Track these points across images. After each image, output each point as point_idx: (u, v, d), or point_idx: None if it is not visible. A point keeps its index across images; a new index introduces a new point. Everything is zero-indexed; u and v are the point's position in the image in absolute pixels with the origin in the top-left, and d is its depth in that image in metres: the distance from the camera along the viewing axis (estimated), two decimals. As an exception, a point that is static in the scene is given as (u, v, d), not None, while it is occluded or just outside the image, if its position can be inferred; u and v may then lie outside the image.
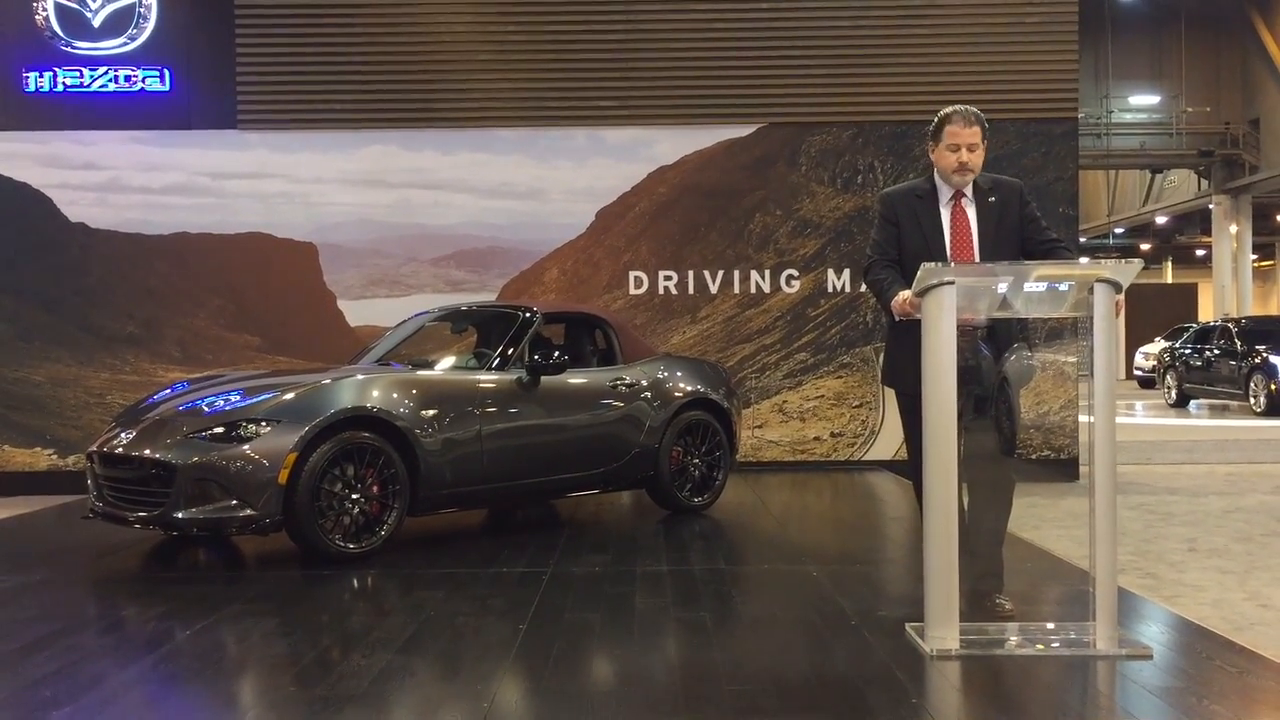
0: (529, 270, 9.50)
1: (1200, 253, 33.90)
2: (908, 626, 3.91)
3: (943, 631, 3.67)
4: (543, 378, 6.14)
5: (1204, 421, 16.74)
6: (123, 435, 5.53)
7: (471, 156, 9.47)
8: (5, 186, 9.27)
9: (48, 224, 9.29)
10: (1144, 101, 26.38)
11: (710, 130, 9.46)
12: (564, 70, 9.38)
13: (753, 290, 9.45)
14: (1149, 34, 25.95)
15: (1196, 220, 31.10)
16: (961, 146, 4.17)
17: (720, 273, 9.45)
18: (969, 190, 4.26)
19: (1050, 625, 3.90)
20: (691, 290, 9.45)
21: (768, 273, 9.44)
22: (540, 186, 9.49)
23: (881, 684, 3.45)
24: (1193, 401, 19.04)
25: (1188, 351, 18.77)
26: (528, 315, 6.47)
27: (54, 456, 9.20)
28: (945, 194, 4.27)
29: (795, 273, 9.43)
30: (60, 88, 9.23)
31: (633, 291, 9.46)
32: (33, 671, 3.62)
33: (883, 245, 4.33)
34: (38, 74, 9.21)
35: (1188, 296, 32.20)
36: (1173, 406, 18.91)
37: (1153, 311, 28.35)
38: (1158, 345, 22.04)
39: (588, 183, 9.47)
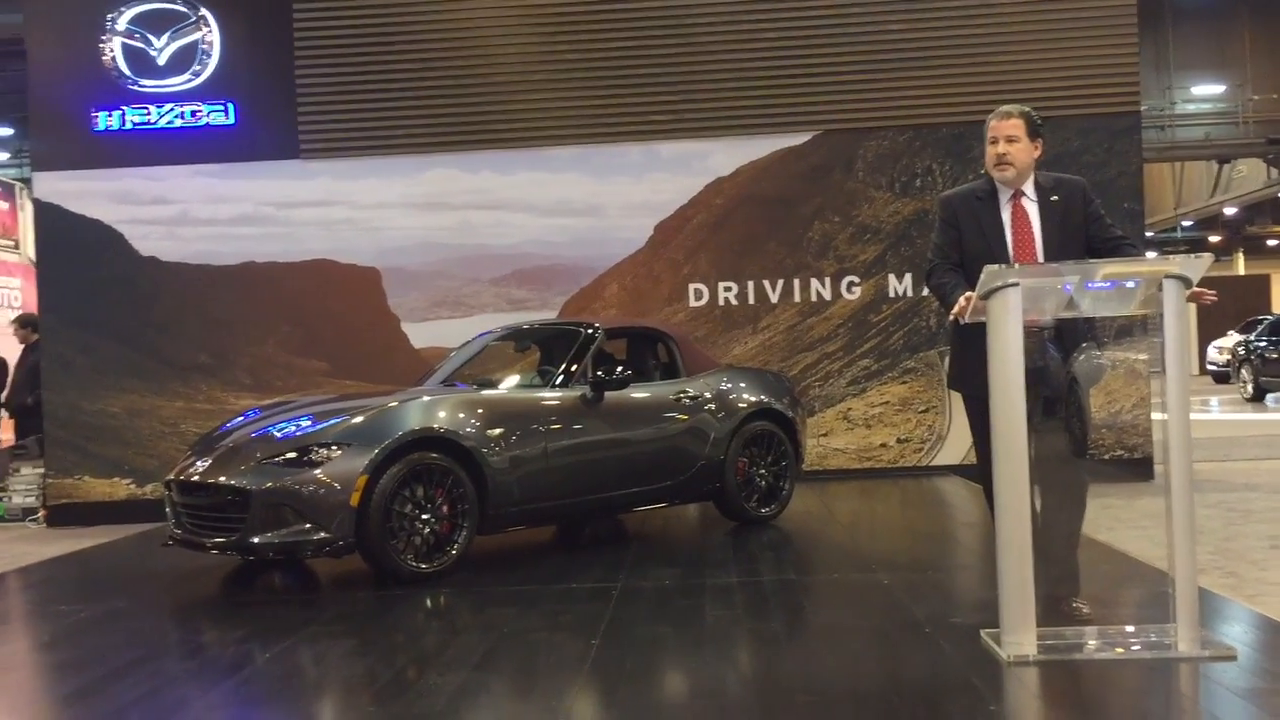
0: (589, 286, 9.55)
1: (1272, 243, 33.14)
2: (983, 633, 3.86)
3: (1019, 637, 3.62)
4: (606, 393, 6.16)
5: (1283, 415, 16.34)
6: (198, 463, 5.64)
7: (529, 175, 9.54)
8: (79, 224, 9.51)
9: (120, 259, 9.51)
10: (1208, 91, 25.82)
11: (765, 140, 9.44)
12: (617, 86, 9.42)
13: (813, 298, 9.40)
14: (1211, 22, 25.42)
15: (1267, 210, 30.37)
16: (1000, 138, 4.16)
17: (780, 282, 9.42)
18: (1030, 190, 4.22)
19: (1130, 628, 3.83)
20: (752, 300, 9.43)
21: (828, 280, 9.39)
22: (598, 203, 9.53)
23: (958, 692, 3.42)
24: (1270, 395, 18.60)
25: (1263, 344, 18.36)
26: (589, 331, 6.51)
27: (132, 486, 9.40)
28: (1005, 194, 4.23)
29: (856, 279, 9.37)
30: (129, 125, 9.45)
31: (693, 304, 9.46)
32: (119, 698, 3.70)
33: (944, 249, 4.30)
34: (106, 113, 9.45)
35: (1260, 288, 31.49)
36: (1250, 401, 18.50)
37: (1225, 304, 27.74)
38: (1231, 339, 21.59)
39: (644, 197, 9.50)
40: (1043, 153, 4.24)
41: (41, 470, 9.53)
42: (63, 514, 9.32)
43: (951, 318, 4.00)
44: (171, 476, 5.78)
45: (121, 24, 9.44)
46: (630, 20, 9.39)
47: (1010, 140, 4.15)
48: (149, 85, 9.48)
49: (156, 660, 4.23)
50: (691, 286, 9.47)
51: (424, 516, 5.38)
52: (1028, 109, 4.23)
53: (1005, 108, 4.24)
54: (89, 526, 8.85)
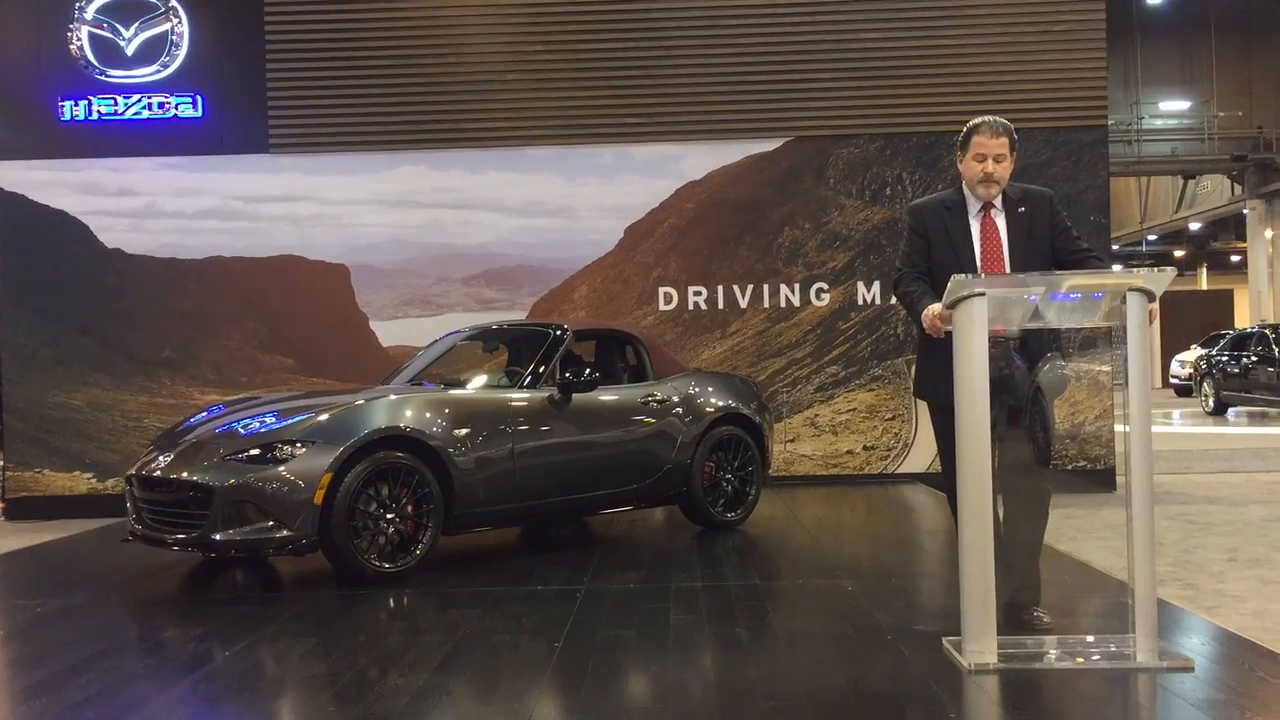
0: (559, 288, 9.54)
1: (1235, 258, 33.55)
2: (945, 641, 3.89)
3: (980, 645, 3.65)
4: (574, 395, 6.16)
5: (1243, 429, 16.56)
6: (161, 458, 5.59)
7: (500, 175, 9.52)
8: (43, 214, 9.40)
9: (85, 250, 9.41)
10: (1175, 107, 26.13)
11: (737, 145, 9.46)
12: (591, 88, 9.42)
13: (783, 304, 9.43)
14: (1178, 39, 25.73)
15: (1231, 226, 30.77)
16: (988, 156, 4.16)
17: (750, 287, 9.44)
18: (998, 201, 4.24)
19: (1089, 638, 3.86)
20: (721, 305, 9.45)
21: (797, 286, 9.43)
22: (569, 204, 9.52)
23: (919, 699, 3.43)
24: (1231, 409, 18.83)
25: (1225, 358, 18.58)
26: (558, 333, 6.50)
27: (93, 480, 9.30)
28: (974, 205, 4.26)
29: (825, 286, 9.41)
30: (95, 116, 9.36)
31: (663, 307, 9.47)
32: (76, 693, 3.66)
33: (912, 257, 4.32)
34: (73, 103, 9.35)
35: (1224, 303, 31.89)
36: (1210, 414, 18.71)
37: (1188, 318, 28.09)
38: (1194, 353, 21.84)
39: (616, 200, 9.50)
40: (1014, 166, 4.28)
41: (0, 463, 9.40)
42: (21, 507, 9.21)
43: (929, 329, 4.01)
44: (133, 471, 5.73)
45: (90, 13, 9.35)
46: (605, 23, 9.40)
47: (998, 160, 4.16)
48: (117, 76, 9.39)
49: (115, 656, 4.19)
50: (661, 290, 9.48)
51: (388, 516, 5.36)
52: (1010, 125, 4.24)
53: (992, 121, 4.19)
54: (48, 520, 8.75)
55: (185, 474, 5.34)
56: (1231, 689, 3.51)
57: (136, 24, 9.40)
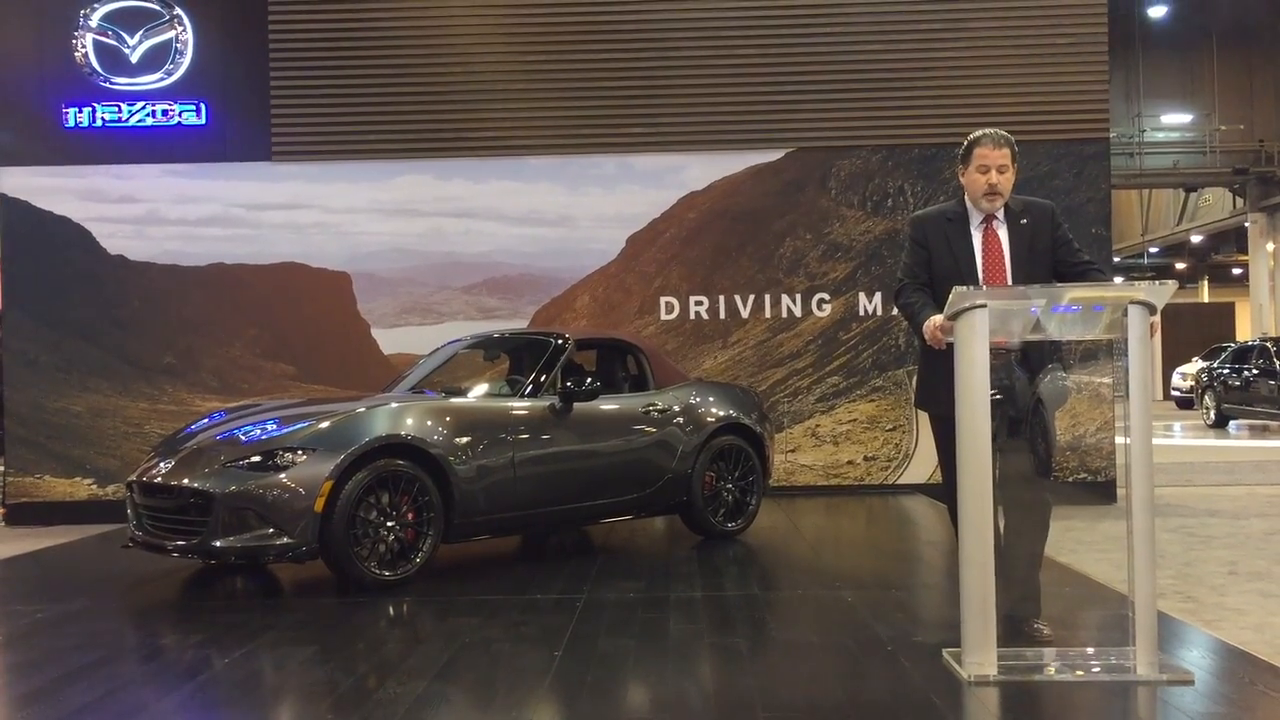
0: (560, 297, 9.54)
1: (1237, 271, 33.57)
2: (945, 652, 3.88)
3: (980, 657, 3.64)
4: (575, 404, 6.16)
5: (1244, 442, 16.54)
6: (161, 465, 5.59)
7: (502, 184, 9.54)
8: (46, 220, 9.41)
9: (87, 256, 9.41)
10: (1176, 120, 26.17)
11: (739, 155, 9.48)
12: (593, 98, 9.43)
13: (784, 314, 9.44)
14: (1180, 52, 25.78)
15: (1232, 238, 30.80)
16: (991, 168, 4.17)
17: (751, 297, 9.45)
18: (1000, 213, 4.25)
19: (1089, 650, 3.86)
20: (723, 315, 9.46)
21: (799, 297, 9.44)
22: (570, 213, 9.54)
23: (919, 711, 3.43)
24: (1232, 422, 18.82)
25: (1226, 371, 18.57)
26: (560, 342, 6.50)
27: (93, 486, 9.30)
28: (976, 217, 4.27)
29: (826, 296, 9.42)
30: (99, 123, 9.37)
31: (664, 317, 9.47)
32: (74, 700, 3.66)
33: (913, 269, 4.33)
34: (77, 110, 9.36)
35: (1225, 316, 31.89)
36: (1212, 427, 18.71)
37: (1189, 331, 28.10)
38: (1195, 365, 21.84)
39: (618, 209, 9.51)
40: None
41: (1, 468, 9.40)
42: (22, 513, 9.20)
43: (930, 340, 4.02)
44: (134, 478, 5.73)
45: (94, 20, 9.37)
46: (608, 33, 9.41)
47: (1001, 170, 4.17)
48: (121, 83, 9.41)
49: (114, 663, 4.19)
50: (663, 299, 9.48)
51: (389, 524, 5.35)
52: (1011, 137, 4.25)
53: (994, 134, 4.21)
54: (48, 526, 8.74)
55: (186, 481, 5.34)
56: (1231, 702, 3.51)
57: (141, 32, 9.42)
